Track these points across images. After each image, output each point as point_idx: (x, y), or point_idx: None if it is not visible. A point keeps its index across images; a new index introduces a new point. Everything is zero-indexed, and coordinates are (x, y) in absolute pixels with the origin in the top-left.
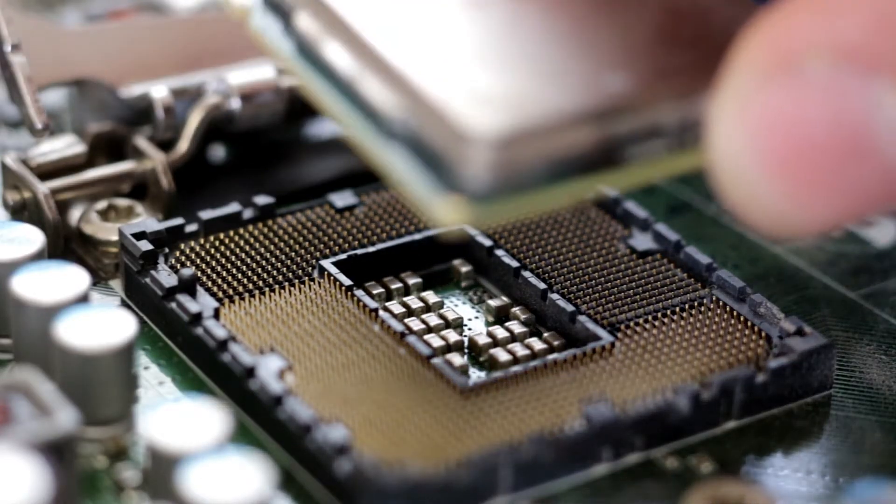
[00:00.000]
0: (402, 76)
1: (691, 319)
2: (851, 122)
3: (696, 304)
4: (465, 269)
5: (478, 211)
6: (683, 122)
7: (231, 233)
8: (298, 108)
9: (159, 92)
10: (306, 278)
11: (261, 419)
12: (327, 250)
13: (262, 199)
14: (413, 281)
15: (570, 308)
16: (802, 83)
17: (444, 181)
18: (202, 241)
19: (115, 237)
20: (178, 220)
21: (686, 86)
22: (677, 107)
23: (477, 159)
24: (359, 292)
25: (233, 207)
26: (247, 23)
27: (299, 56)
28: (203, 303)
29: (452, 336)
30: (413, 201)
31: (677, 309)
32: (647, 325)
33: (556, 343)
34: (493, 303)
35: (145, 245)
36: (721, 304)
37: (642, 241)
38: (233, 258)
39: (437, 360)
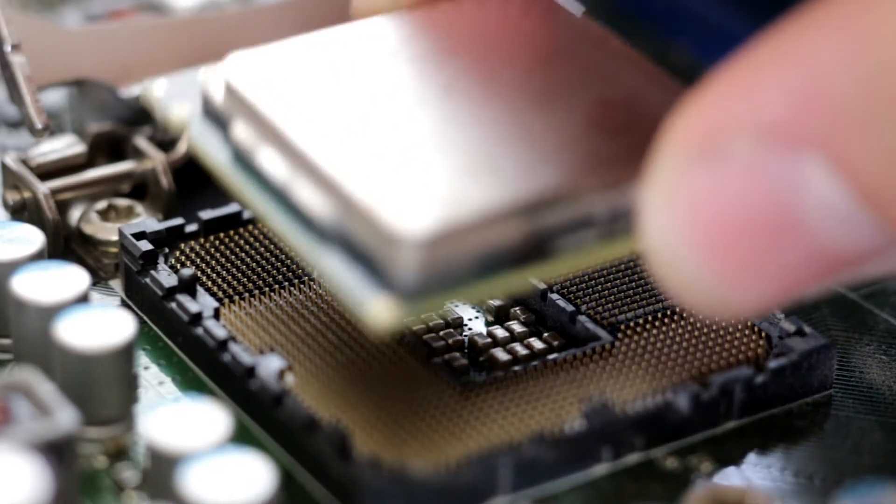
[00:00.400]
0: (331, 179)
1: (691, 319)
2: (779, 200)
3: None
4: None
5: (409, 309)
6: (614, 211)
7: (231, 233)
8: None
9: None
10: (306, 278)
11: (261, 419)
12: None
13: None
14: None
15: (570, 308)
16: (727, 164)
17: (376, 282)
18: (202, 241)
19: (115, 237)
20: (178, 220)
21: (616, 175)
22: (607, 196)
23: (406, 259)
24: None
25: (233, 207)
26: (186, 134)
27: (235, 165)
28: (203, 303)
29: (452, 336)
30: (347, 304)
31: (677, 309)
32: (647, 325)
33: (556, 343)
34: (493, 303)
35: (145, 245)
36: None
37: None
38: (233, 258)
39: (437, 360)
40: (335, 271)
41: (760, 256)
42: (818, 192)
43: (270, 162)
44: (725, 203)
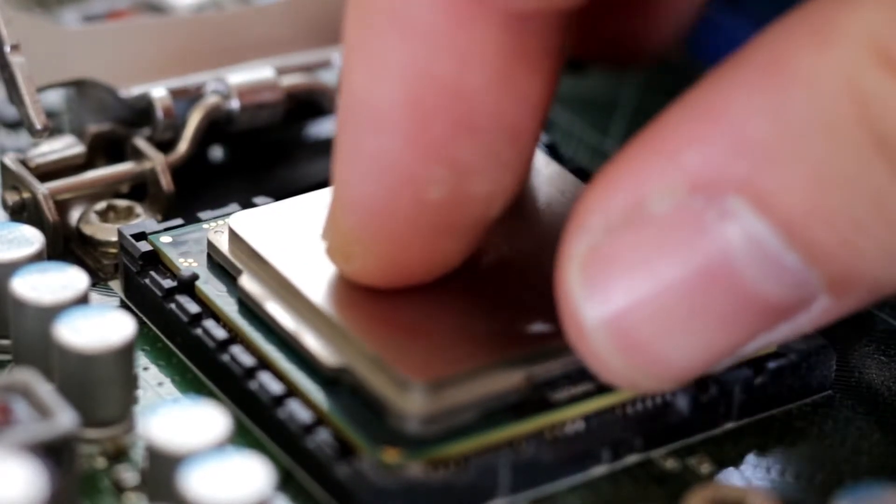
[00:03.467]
0: (339, 328)
1: None
2: (706, 250)
3: None
4: None
5: (416, 453)
6: None
7: None
8: (298, 108)
9: (159, 92)
10: None
11: (261, 419)
12: None
13: (261, 200)
14: None
15: None
16: (649, 225)
17: (383, 426)
18: None
19: (114, 238)
20: (178, 221)
21: None
22: None
23: (413, 404)
24: None
25: (233, 207)
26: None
27: (241, 313)
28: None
29: None
30: (357, 446)
31: None
32: None
33: None
34: None
35: (145, 246)
36: None
37: None
38: None
39: None
40: (343, 416)
41: (689, 318)
42: (744, 233)
43: (278, 311)
44: (644, 269)
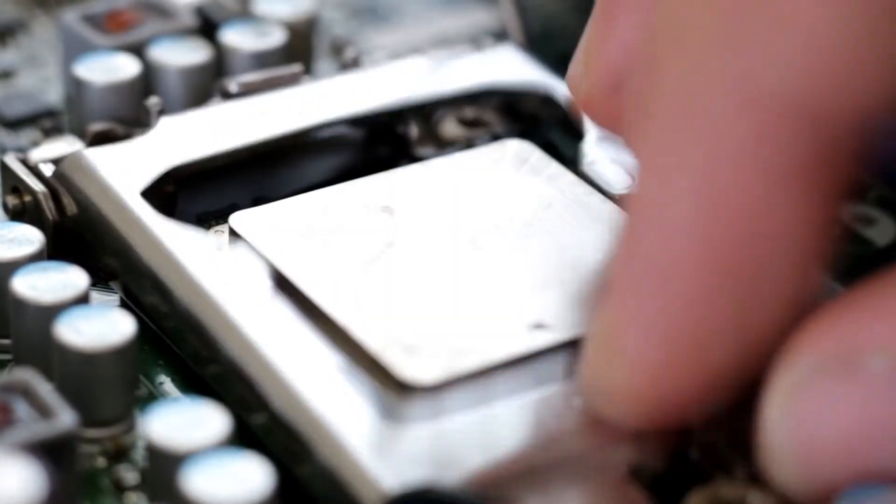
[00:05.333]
0: (341, 327)
1: None
2: None
3: None
4: None
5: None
6: None
7: None
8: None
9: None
10: None
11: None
12: None
13: (262, 200)
14: None
15: None
16: (861, 377)
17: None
18: None
19: None
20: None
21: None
22: None
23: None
24: None
25: (233, 207)
26: None
27: None
28: None
29: None
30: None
31: None
32: None
33: None
34: None
35: None
36: None
37: None
38: None
39: None
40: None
41: (883, 472)
42: None
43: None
44: (848, 416)
